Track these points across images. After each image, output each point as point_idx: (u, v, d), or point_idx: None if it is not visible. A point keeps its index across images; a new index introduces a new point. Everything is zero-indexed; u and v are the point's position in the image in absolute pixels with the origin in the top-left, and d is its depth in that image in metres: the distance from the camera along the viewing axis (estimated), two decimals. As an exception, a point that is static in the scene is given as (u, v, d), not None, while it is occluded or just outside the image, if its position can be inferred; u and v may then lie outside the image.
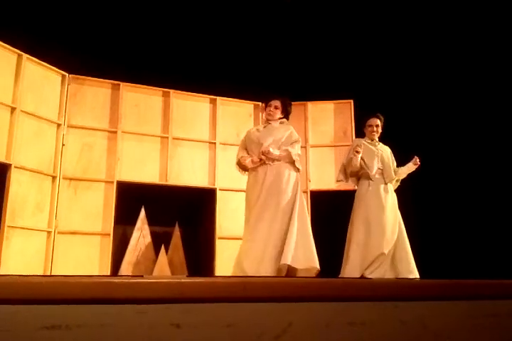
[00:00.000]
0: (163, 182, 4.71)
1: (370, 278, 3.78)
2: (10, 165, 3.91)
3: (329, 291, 1.37)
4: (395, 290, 1.44)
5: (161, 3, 4.83)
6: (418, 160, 4.22)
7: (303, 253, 3.68)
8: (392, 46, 5.16)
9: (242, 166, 4.01)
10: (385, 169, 4.18)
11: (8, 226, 3.86)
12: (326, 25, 5.17)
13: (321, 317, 1.31)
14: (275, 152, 3.84)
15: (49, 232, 4.23)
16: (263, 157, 3.83)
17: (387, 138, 4.64)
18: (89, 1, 4.61)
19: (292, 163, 3.89)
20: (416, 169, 4.27)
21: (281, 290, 1.34)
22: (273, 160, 3.85)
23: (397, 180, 4.32)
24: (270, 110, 4.05)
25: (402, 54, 5.15)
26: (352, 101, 5.15)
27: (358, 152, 4.11)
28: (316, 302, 1.31)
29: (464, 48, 5.00)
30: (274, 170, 3.83)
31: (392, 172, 4.21)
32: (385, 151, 4.32)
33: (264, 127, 4.05)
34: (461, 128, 5.03)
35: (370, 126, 4.30)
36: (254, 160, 3.87)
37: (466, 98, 5.03)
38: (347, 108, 5.15)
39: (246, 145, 4.04)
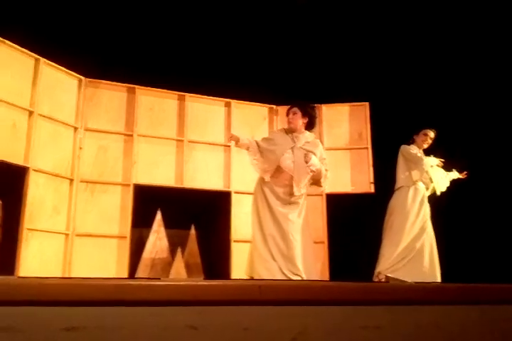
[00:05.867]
0: (179, 185, 4.73)
1: (386, 282, 3.78)
2: (28, 168, 3.96)
3: (344, 295, 1.37)
4: (410, 294, 1.44)
5: (175, 6, 4.86)
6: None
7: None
8: (408, 48, 5.13)
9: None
10: None
11: (27, 229, 3.90)
12: (341, 26, 5.15)
13: (336, 321, 1.31)
14: (315, 161, 3.85)
15: (66, 235, 4.27)
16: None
17: (404, 142, 4.63)
18: (103, 6, 4.66)
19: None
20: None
21: (296, 293, 1.34)
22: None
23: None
24: (290, 117, 3.98)
25: (418, 56, 5.12)
26: (368, 103, 5.12)
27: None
28: (332, 306, 1.31)
29: (481, 51, 4.96)
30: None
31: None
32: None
33: (292, 139, 3.95)
34: (480, 132, 4.98)
35: (425, 135, 4.55)
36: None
37: (484, 102, 4.98)
38: (362, 110, 5.12)
39: (262, 147, 3.99)
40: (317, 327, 1.28)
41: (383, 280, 4.24)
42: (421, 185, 4.52)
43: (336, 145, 5.09)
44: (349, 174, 5.02)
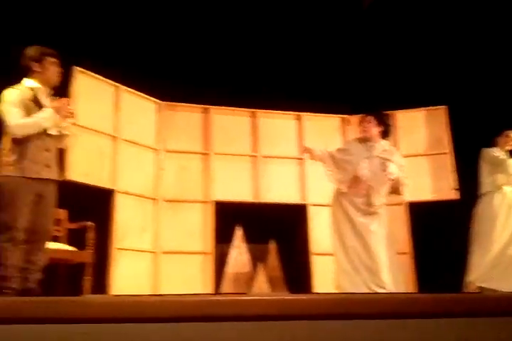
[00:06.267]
0: (256, 200, 4.79)
1: (479, 292, 3.61)
2: (115, 190, 4.18)
3: (435, 307, 1.33)
4: (505, 305, 1.37)
5: (239, 27, 4.99)
6: None
7: None
8: (484, 47, 4.92)
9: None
10: None
11: (117, 249, 4.10)
12: (411, 29, 5.03)
13: (430, 334, 1.27)
14: (393, 169, 3.79)
15: (153, 253, 4.44)
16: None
17: (487, 144, 4.43)
18: (173, 34, 4.88)
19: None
20: None
21: (384, 306, 1.32)
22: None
23: None
24: (364, 126, 3.94)
25: (495, 53, 4.90)
26: (445, 107, 4.94)
27: None
28: (426, 319, 1.27)
29: None
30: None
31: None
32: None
33: (368, 148, 3.92)
34: None
35: (507, 136, 4.37)
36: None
37: None
38: (440, 115, 4.94)
39: (336, 157, 3.97)
40: (409, 341, 1.25)
41: (475, 290, 4.04)
42: (507, 189, 4.29)
43: (414, 152, 4.94)
44: (430, 181, 4.85)
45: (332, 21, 5.11)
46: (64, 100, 3.08)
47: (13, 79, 3.08)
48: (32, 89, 3.02)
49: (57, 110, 3.00)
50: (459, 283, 4.20)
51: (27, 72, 3.07)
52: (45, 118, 2.97)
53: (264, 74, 5.08)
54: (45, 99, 3.07)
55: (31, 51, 3.08)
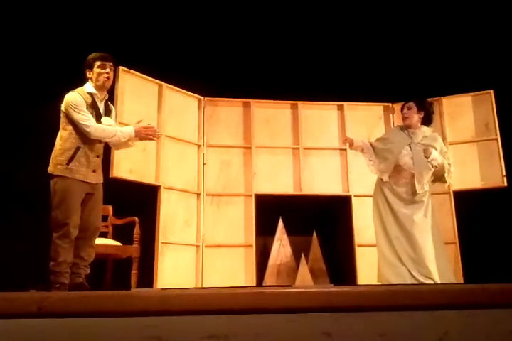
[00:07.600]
0: (298, 192, 4.77)
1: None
2: (159, 186, 4.25)
3: (487, 298, 1.29)
4: None
5: (278, 21, 4.96)
6: None
7: None
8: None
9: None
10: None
11: (161, 243, 4.18)
12: (452, 11, 4.87)
13: (480, 326, 1.23)
14: (436, 155, 3.71)
15: (197, 246, 4.51)
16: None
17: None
18: (212, 30, 4.90)
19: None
20: None
21: (432, 298, 1.29)
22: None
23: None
24: (404, 112, 3.89)
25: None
26: (492, 91, 4.76)
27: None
28: (474, 310, 1.24)
29: None
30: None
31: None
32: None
33: (409, 135, 3.87)
34: None
35: None
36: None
37: None
38: (487, 99, 4.76)
39: (377, 147, 3.92)
40: (459, 333, 1.22)
41: None
42: None
43: (462, 139, 4.80)
44: (478, 168, 4.70)
45: (372, 8, 5.02)
46: (150, 126, 3.26)
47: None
48: (90, 94, 3.11)
49: (138, 133, 3.17)
50: (509, 274, 4.06)
51: (86, 79, 3.19)
52: (124, 133, 3.13)
53: (304, 64, 5.04)
54: (100, 103, 3.16)
55: (87, 58, 3.18)
